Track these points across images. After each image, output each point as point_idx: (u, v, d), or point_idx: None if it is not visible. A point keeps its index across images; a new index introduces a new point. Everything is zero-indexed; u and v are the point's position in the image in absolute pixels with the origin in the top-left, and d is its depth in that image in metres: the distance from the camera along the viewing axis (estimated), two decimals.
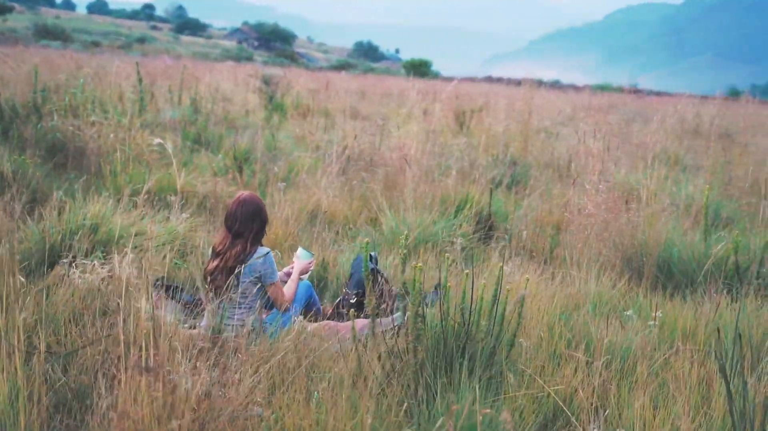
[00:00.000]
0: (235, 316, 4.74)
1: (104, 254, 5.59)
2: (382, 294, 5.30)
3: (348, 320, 5.28)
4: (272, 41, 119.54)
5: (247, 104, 17.74)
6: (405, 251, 3.97)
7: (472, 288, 3.86)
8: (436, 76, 60.75)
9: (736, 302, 5.25)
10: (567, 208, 6.91)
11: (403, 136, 9.69)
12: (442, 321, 3.80)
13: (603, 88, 54.19)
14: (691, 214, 7.59)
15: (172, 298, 5.28)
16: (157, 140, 6.36)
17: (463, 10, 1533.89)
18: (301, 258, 5.35)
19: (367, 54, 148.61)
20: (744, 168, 9.73)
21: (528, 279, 3.99)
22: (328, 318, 5.41)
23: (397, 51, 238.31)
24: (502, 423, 2.85)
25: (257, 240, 4.92)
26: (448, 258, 4.04)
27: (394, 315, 5.05)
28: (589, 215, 6.28)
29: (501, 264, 4.00)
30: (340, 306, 5.45)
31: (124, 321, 4.38)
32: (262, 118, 14.81)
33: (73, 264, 4.79)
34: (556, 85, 53.68)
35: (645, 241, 6.25)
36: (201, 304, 5.07)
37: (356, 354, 3.96)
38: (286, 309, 5.02)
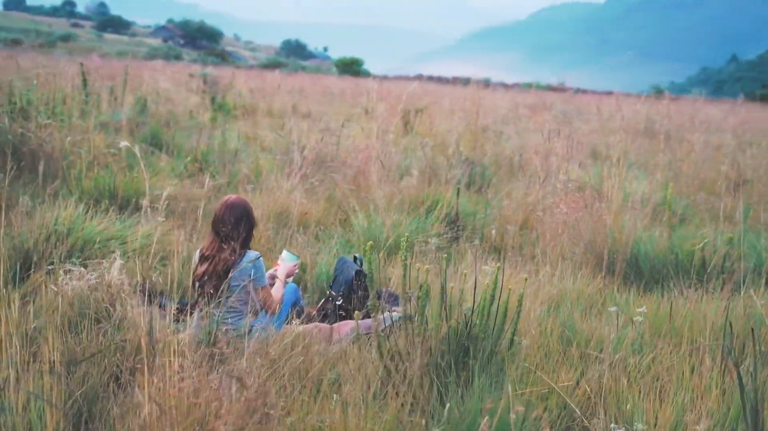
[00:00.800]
0: (228, 321, 4.71)
1: (81, 260, 5.47)
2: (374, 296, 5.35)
3: (336, 321, 5.31)
4: (199, 39, 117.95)
5: (190, 105, 17.49)
6: (406, 254, 4.00)
7: (475, 288, 3.93)
8: (367, 74, 60.92)
9: (705, 295, 5.46)
10: (538, 206, 7.03)
11: (360, 136, 9.73)
12: (446, 320, 3.86)
13: (532, 86, 55.15)
14: (647, 211, 7.80)
15: (152, 304, 5.21)
16: (123, 143, 6.26)
17: (390, 8, 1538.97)
18: (286, 261, 5.35)
19: (296, 52, 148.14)
20: (690, 165, 10.07)
21: (526, 279, 4.07)
22: (311, 320, 5.42)
23: (325, 49, 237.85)
24: (536, 419, 2.93)
25: (246, 244, 4.91)
26: (445, 259, 4.10)
27: (390, 314, 5.09)
28: (562, 214, 6.42)
29: (498, 265, 4.08)
30: (326, 308, 5.46)
31: (118, 327, 4.33)
32: (210, 119, 14.62)
33: (60, 271, 4.68)
34: (486, 84, 54.20)
35: (614, 239, 6.43)
36: (185, 310, 5.02)
37: (360, 354, 4.00)
38: (275, 312, 5.01)
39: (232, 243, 4.80)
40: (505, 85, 52.82)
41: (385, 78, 52.71)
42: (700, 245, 6.16)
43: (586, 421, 3.67)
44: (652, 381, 4.09)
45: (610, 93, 53.33)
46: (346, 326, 5.04)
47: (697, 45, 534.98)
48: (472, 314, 3.91)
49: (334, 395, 3.51)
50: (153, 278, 5.59)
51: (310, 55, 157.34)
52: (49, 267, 4.91)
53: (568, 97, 32.46)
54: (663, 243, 6.51)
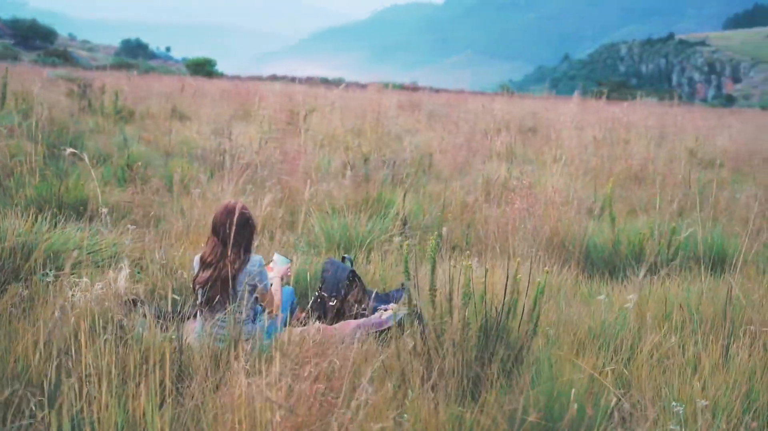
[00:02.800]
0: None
1: (61, 272, 5.21)
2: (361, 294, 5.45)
3: (334, 322, 5.35)
4: (32, 39, 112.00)
5: (65, 108, 16.67)
6: (434, 255, 4.14)
7: (506, 284, 4.12)
8: (220, 75, 59.91)
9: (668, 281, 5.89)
10: (490, 204, 7.28)
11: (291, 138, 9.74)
12: (485, 315, 4.02)
13: (385, 86, 56.03)
14: (574, 204, 8.22)
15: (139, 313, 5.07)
16: (69, 150, 6.04)
17: (232, 8, 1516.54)
18: (279, 264, 5.35)
19: (136, 52, 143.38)
20: (598, 160, 10.71)
21: (548, 272, 4.29)
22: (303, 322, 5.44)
23: (168, 49, 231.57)
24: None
25: (248, 249, 4.87)
26: (468, 255, 4.26)
27: (387, 314, 5.19)
28: (521, 210, 6.71)
29: (518, 259, 4.28)
30: (315, 308, 5.49)
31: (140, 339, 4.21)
32: (100, 123, 14.04)
33: (64, 283, 4.48)
34: (339, 83, 54.40)
35: (572, 233, 6.79)
36: (175, 316, 4.92)
37: (396, 352, 4.09)
38: (272, 315, 5.01)
39: (237, 248, 4.75)
40: (360, 85, 53.29)
41: (238, 78, 52.01)
42: (648, 235, 6.61)
43: (624, 402, 3.91)
44: (658, 362, 4.40)
45: (461, 91, 55.27)
46: (347, 326, 5.10)
47: (531, 45, 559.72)
48: (503, 307, 4.09)
49: (409, 391, 3.59)
50: (135, 286, 5.44)
51: (152, 56, 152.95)
52: (47, 280, 4.69)
53: (428, 96, 33.23)
54: (607, 235, 6.93)
